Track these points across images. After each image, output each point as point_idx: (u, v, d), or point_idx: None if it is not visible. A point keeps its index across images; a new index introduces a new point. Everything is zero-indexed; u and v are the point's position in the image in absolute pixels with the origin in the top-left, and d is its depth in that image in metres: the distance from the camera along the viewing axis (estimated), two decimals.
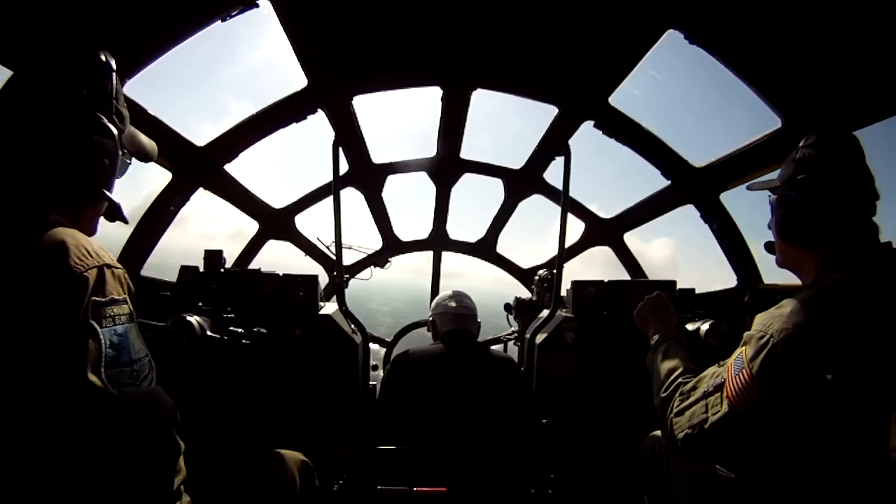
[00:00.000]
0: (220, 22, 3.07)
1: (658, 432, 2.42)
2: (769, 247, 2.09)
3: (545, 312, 3.38)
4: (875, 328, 1.51)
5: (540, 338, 3.26)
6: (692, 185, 4.12)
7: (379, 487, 2.40)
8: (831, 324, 1.54)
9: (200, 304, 2.86)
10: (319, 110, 3.85)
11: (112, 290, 1.40)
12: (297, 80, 3.69)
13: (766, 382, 1.57)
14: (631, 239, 4.79)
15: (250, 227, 4.64)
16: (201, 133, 3.78)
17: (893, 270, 1.68)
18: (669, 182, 4.16)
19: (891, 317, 1.53)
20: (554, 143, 4.15)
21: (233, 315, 2.86)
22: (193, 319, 2.56)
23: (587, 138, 4.12)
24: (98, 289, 1.36)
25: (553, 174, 4.55)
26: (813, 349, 1.52)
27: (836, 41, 2.97)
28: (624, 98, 3.89)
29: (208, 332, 2.59)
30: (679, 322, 2.55)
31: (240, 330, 2.69)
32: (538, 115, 4.04)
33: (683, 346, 2.31)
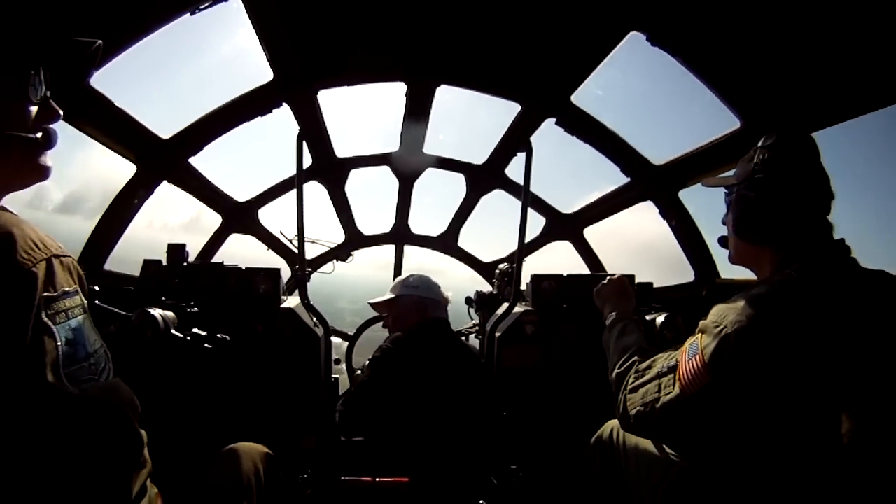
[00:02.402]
0: (189, 15, 3.04)
1: (615, 421, 2.45)
2: (723, 242, 2.14)
3: (506, 306, 3.41)
4: (827, 323, 1.56)
5: (500, 331, 3.29)
6: (652, 183, 4.20)
7: (342, 478, 2.41)
8: (784, 318, 1.58)
9: (164, 298, 2.83)
10: (284, 104, 3.83)
11: (62, 281, 1.32)
12: (264, 74, 3.68)
13: (718, 370, 1.62)
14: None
15: (209, 218, 4.60)
16: (168, 126, 3.76)
17: (845, 267, 1.73)
18: (629, 179, 4.24)
19: (842, 312, 1.58)
20: (516, 140, 4.20)
21: (196, 309, 2.84)
22: (157, 313, 2.51)
23: (551, 135, 4.16)
24: (48, 282, 1.27)
25: (515, 170, 4.61)
26: (765, 341, 1.56)
27: (793, 45, 3.04)
28: (586, 97, 3.94)
29: (172, 330, 2.55)
30: (636, 310, 2.63)
31: (203, 333, 2.66)
32: (502, 112, 4.08)
33: (640, 326, 2.38)
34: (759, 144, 1.93)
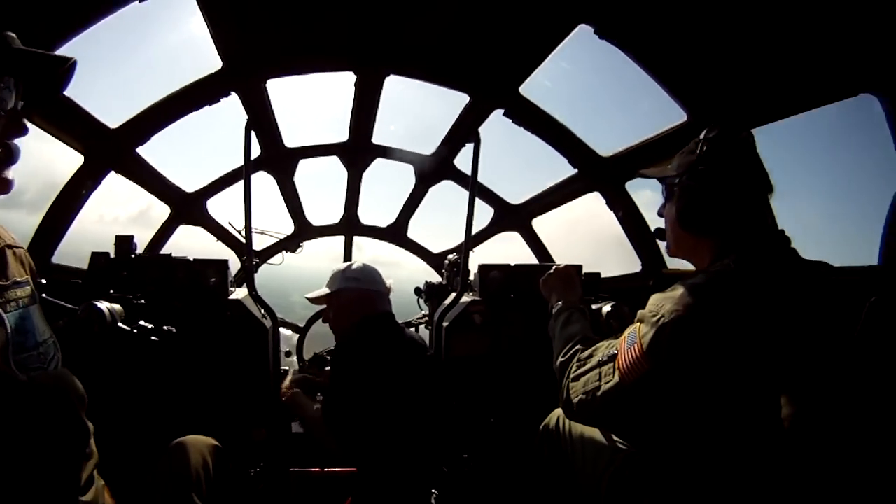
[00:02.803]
0: (138, 2, 2.97)
1: (561, 410, 2.50)
2: (660, 234, 2.18)
3: (454, 296, 3.43)
4: (761, 312, 1.61)
5: (448, 321, 3.31)
6: (599, 174, 4.24)
7: (291, 469, 2.41)
8: (719, 307, 1.61)
9: (112, 291, 2.77)
10: (233, 93, 3.78)
11: (14, 271, 1.34)
12: (215, 63, 3.62)
13: (656, 358, 1.65)
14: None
15: (158, 211, 4.54)
16: (117, 116, 3.67)
17: (783, 257, 1.77)
18: (577, 170, 4.28)
19: (777, 301, 1.63)
20: (465, 130, 4.21)
21: (143, 302, 2.79)
22: (104, 306, 2.47)
23: (501, 126, 4.19)
24: (1, 272, 1.30)
25: (464, 161, 4.61)
26: (701, 330, 1.60)
27: (740, 42, 3.10)
28: (535, 88, 3.97)
29: (119, 323, 2.51)
30: (582, 300, 2.65)
31: (150, 326, 2.63)
32: (451, 103, 4.09)
33: (584, 315, 2.41)
34: (701, 137, 1.95)
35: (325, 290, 3.09)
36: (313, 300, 3.23)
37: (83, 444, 1.44)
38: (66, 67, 1.50)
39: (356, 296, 3.04)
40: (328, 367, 3.70)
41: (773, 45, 3.07)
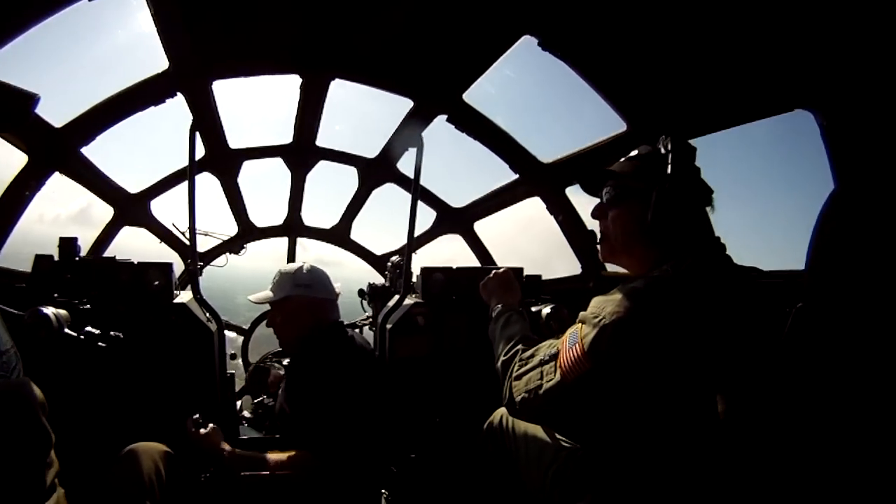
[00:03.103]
0: (86, 0, 2.95)
1: (504, 409, 2.56)
2: (596, 238, 2.21)
3: (396, 298, 3.46)
4: (697, 315, 1.68)
5: (391, 322, 3.34)
6: (539, 180, 4.34)
7: (242, 473, 2.41)
8: (658, 311, 1.67)
9: (56, 295, 2.75)
10: (179, 94, 3.77)
11: None
12: (162, 63, 3.61)
13: (596, 358, 1.71)
14: None
15: (99, 209, 4.47)
16: (62, 115, 3.60)
17: (719, 264, 1.85)
18: (518, 175, 4.36)
19: (711, 305, 1.70)
20: (408, 135, 4.27)
21: (89, 306, 2.77)
22: (50, 312, 2.46)
23: (445, 131, 4.26)
24: None
25: (407, 164, 4.69)
26: (640, 332, 1.66)
27: (679, 55, 3.21)
28: (479, 95, 4.05)
29: (65, 329, 2.49)
30: (523, 302, 2.72)
31: (97, 331, 2.60)
32: (396, 107, 4.14)
33: (524, 317, 2.47)
34: (642, 147, 2.01)
35: (269, 294, 3.00)
36: (258, 302, 3.14)
37: (45, 452, 1.44)
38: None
39: (306, 303, 2.94)
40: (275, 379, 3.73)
41: (711, 60, 3.18)
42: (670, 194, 1.88)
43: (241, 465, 2.50)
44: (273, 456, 2.53)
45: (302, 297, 2.93)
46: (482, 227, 5.06)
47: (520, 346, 2.14)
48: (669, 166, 1.91)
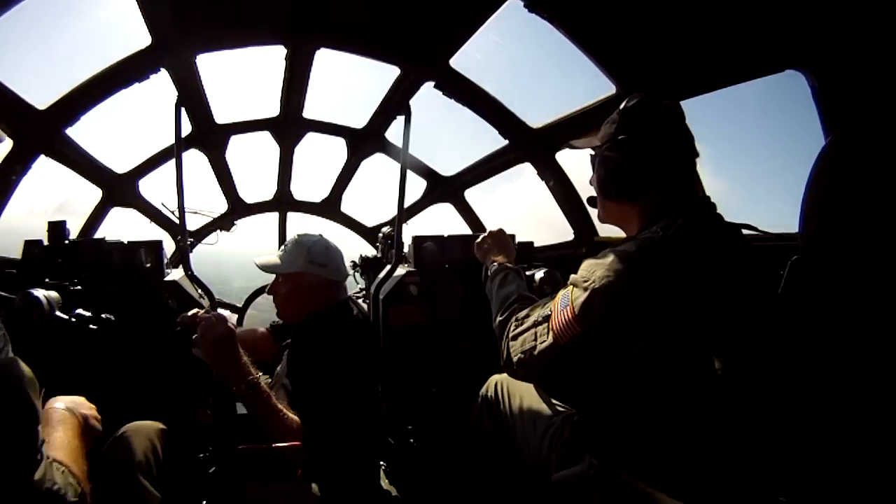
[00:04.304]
0: None
1: (498, 376, 2.56)
2: (592, 202, 2.20)
3: (388, 268, 3.45)
4: (688, 275, 1.68)
5: (384, 293, 3.34)
6: (529, 145, 4.32)
7: (239, 447, 2.41)
8: (648, 272, 1.68)
9: (47, 279, 2.74)
10: (162, 69, 3.70)
11: None
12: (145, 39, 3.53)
13: (587, 321, 1.72)
14: None
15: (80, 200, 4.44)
16: (45, 97, 3.57)
17: (709, 222, 1.83)
18: (507, 142, 4.34)
19: (702, 264, 1.71)
20: (396, 103, 4.23)
21: (80, 287, 2.76)
22: (41, 294, 2.46)
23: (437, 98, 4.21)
24: None
25: (396, 134, 4.66)
26: (630, 294, 1.66)
27: (668, 15, 3.16)
28: (466, 61, 4.00)
29: (57, 311, 2.49)
30: (517, 264, 2.72)
31: (87, 314, 2.61)
32: (383, 75, 4.10)
33: (520, 275, 2.49)
34: (622, 107, 1.98)
35: (278, 263, 2.76)
36: (264, 268, 2.81)
37: (33, 426, 1.44)
38: None
39: (317, 283, 2.73)
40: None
41: (701, 19, 3.13)
42: (617, 152, 1.92)
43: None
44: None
45: (314, 277, 2.71)
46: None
47: (516, 306, 2.16)
48: (615, 125, 1.95)
